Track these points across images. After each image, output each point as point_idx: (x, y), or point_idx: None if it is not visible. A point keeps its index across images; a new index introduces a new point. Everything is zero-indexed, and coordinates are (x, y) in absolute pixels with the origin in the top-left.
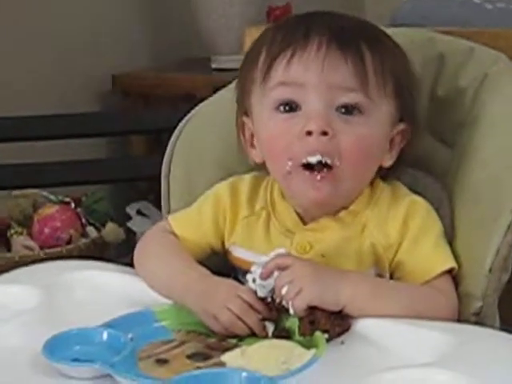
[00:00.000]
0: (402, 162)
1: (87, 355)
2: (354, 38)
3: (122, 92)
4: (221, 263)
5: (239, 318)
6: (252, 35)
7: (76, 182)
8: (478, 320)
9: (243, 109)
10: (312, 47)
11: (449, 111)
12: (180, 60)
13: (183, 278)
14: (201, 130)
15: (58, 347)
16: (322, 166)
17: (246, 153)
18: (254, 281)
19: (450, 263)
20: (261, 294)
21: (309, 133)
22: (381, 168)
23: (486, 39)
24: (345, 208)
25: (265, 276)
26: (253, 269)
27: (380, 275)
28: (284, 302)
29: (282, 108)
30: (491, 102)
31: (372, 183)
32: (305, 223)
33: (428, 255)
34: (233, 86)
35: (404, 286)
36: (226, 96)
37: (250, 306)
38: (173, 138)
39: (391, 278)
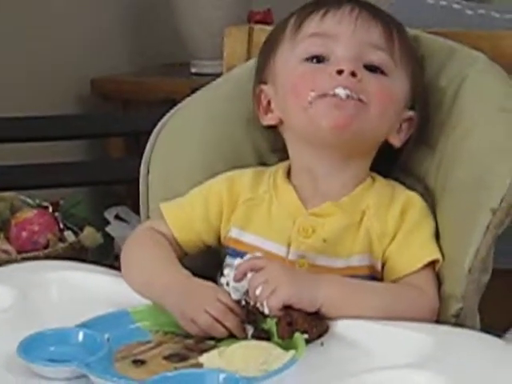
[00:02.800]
0: (403, 153)
1: (63, 355)
2: (383, 13)
3: (101, 96)
4: (210, 261)
5: (218, 321)
6: (232, 35)
7: (53, 185)
8: (458, 321)
9: (262, 77)
10: (345, 9)
11: (429, 112)
12: (159, 64)
13: (163, 279)
14: (179, 130)
15: (34, 347)
16: (350, 98)
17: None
18: (227, 284)
19: (436, 255)
20: (234, 296)
21: (339, 72)
22: (386, 147)
23: (469, 40)
24: (345, 194)
25: (238, 278)
26: (226, 272)
27: (372, 265)
28: (258, 304)
29: (311, 60)
30: (471, 102)
31: (373, 177)
32: (307, 208)
33: (416, 248)
34: (209, 85)
35: (381, 285)
36: (205, 96)
37: (230, 309)
38: (151, 139)
39: (382, 268)
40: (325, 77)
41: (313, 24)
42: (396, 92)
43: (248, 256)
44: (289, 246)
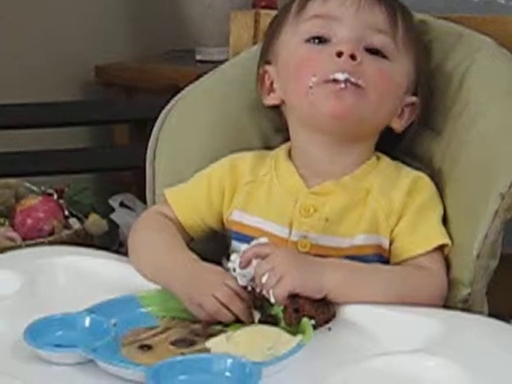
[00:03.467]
0: (407, 137)
1: (69, 341)
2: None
3: (105, 83)
4: (217, 245)
5: (225, 306)
6: (237, 20)
7: (58, 172)
8: (466, 307)
9: (266, 57)
10: None
11: (435, 96)
12: (164, 51)
13: (170, 263)
14: (185, 116)
15: (40, 332)
16: (348, 83)
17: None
18: (234, 270)
19: (445, 239)
20: (241, 282)
21: (339, 54)
22: (384, 137)
23: (474, 25)
24: (348, 173)
25: (243, 265)
26: (232, 258)
27: (379, 244)
28: (264, 292)
29: (312, 40)
30: (479, 86)
31: (378, 157)
32: (308, 187)
33: (427, 229)
34: (215, 70)
35: (389, 269)
36: (210, 81)
37: (237, 294)
38: (157, 124)
39: (390, 246)
40: (325, 59)
41: (316, 5)
42: (397, 76)
43: (254, 242)
44: (290, 226)
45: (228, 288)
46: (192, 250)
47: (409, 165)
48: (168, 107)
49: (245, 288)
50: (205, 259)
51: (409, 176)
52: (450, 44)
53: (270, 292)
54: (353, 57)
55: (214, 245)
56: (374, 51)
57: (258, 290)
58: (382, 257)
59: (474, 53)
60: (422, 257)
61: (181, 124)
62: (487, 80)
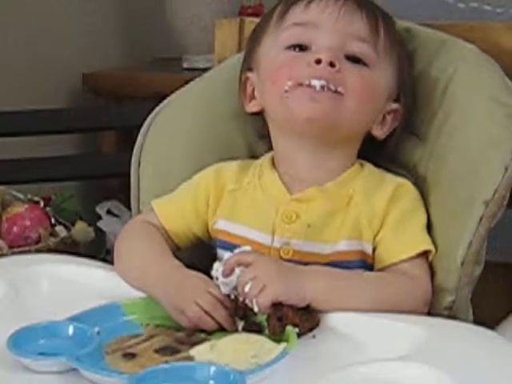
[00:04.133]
0: (391, 144)
1: (53, 349)
2: (370, 3)
3: (93, 91)
4: (204, 254)
5: (208, 314)
6: (223, 28)
7: (45, 179)
8: (451, 314)
9: (248, 64)
10: None
11: (419, 104)
12: (151, 59)
13: (155, 270)
14: (170, 124)
15: (24, 341)
16: (326, 88)
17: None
18: (217, 278)
19: (429, 245)
20: (224, 291)
21: (318, 61)
22: (367, 144)
23: (458, 32)
24: (331, 179)
25: (226, 273)
26: (215, 266)
27: (362, 250)
28: (247, 300)
29: (292, 48)
30: (464, 93)
31: (362, 164)
32: (291, 194)
33: (410, 235)
34: (201, 77)
35: (372, 275)
36: (195, 88)
37: (220, 302)
38: (142, 132)
39: (373, 253)
40: (302, 66)
41: (296, 13)
42: (377, 84)
43: (237, 250)
44: (273, 233)
45: (211, 295)
46: (178, 258)
47: (394, 172)
48: (153, 114)
49: (228, 296)
50: (191, 268)
51: (392, 183)
52: (434, 51)
53: (254, 301)
54: (332, 64)
55: (200, 254)
56: (354, 59)
57: (240, 298)
58: (366, 263)
59: (458, 60)
60: (405, 263)
61: (165, 131)
62: (470, 87)
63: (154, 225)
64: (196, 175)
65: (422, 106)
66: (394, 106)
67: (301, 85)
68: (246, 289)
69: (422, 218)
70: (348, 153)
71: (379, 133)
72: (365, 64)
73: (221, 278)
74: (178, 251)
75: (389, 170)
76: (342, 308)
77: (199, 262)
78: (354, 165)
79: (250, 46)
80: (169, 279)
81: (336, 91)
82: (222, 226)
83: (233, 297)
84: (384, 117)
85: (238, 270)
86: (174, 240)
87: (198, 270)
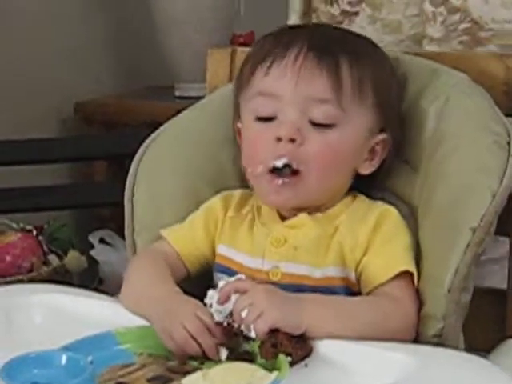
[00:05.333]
0: (384, 172)
1: (46, 378)
2: (334, 49)
3: (85, 119)
4: (199, 282)
5: (193, 338)
6: (215, 57)
7: (37, 208)
8: (440, 341)
9: (238, 113)
10: (289, 58)
11: (411, 132)
12: (143, 87)
13: (151, 295)
14: (163, 152)
15: (17, 370)
16: (287, 169)
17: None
18: (210, 306)
19: (409, 266)
20: (218, 318)
21: (278, 139)
22: (360, 176)
23: (447, 61)
24: (321, 211)
25: (222, 300)
26: (209, 294)
27: (346, 277)
28: (243, 326)
29: (259, 120)
30: (455, 122)
31: (355, 196)
32: (284, 220)
33: (390, 257)
34: (193, 106)
35: (361, 301)
36: (188, 117)
37: (207, 329)
38: (135, 161)
39: (358, 281)
40: (267, 145)
41: (259, 78)
42: (345, 142)
43: (232, 278)
44: (263, 257)
45: (199, 320)
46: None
47: (387, 202)
48: (146, 143)
49: (220, 324)
50: (191, 295)
51: (376, 211)
52: (425, 80)
53: (251, 326)
54: (292, 140)
55: (197, 282)
56: (320, 120)
57: (236, 325)
58: (350, 289)
59: (449, 89)
60: (387, 284)
61: (159, 159)
62: (461, 116)
63: (164, 252)
64: (203, 204)
65: (415, 135)
66: (381, 136)
67: (269, 171)
68: (243, 315)
69: (404, 240)
70: (337, 193)
71: (366, 170)
72: (330, 125)
73: (215, 306)
74: (188, 279)
75: (383, 200)
76: (338, 335)
77: (199, 288)
78: (345, 197)
79: (235, 97)
80: (162, 302)
81: (295, 171)
82: (222, 251)
83: (226, 324)
84: (373, 148)
85: (233, 298)
86: (185, 263)
87: (198, 297)
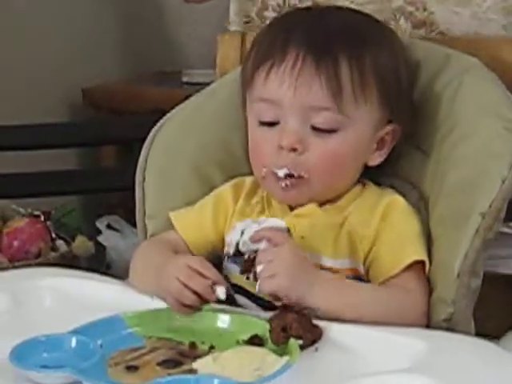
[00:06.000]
0: (394, 157)
1: (56, 362)
2: (332, 48)
3: (92, 106)
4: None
5: (187, 286)
6: (225, 41)
7: (45, 194)
8: (450, 326)
9: (245, 104)
10: (288, 63)
11: (424, 118)
12: (151, 74)
13: (159, 262)
14: (174, 136)
15: (26, 354)
16: (289, 178)
17: None
18: (242, 232)
19: (419, 255)
20: (242, 248)
21: (280, 147)
22: (368, 166)
23: (460, 46)
24: (331, 201)
25: (254, 240)
26: (247, 222)
27: (355, 268)
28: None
29: (264, 125)
30: (468, 108)
31: (365, 184)
32: (292, 210)
33: (400, 248)
34: (204, 91)
35: (374, 288)
36: (199, 102)
37: (199, 273)
38: (146, 145)
39: (367, 273)
40: (270, 151)
41: (260, 83)
42: (349, 145)
43: (273, 222)
44: None
45: (189, 269)
46: None
47: (397, 188)
48: (157, 127)
49: (242, 254)
50: None
51: (385, 200)
52: (438, 65)
53: (258, 282)
54: (294, 149)
55: None
56: (321, 127)
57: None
58: (361, 280)
59: (462, 74)
60: (398, 276)
61: (170, 144)
62: (474, 102)
63: (170, 240)
64: (215, 190)
65: (427, 121)
66: (390, 127)
67: (272, 174)
68: (258, 269)
69: (413, 228)
70: (347, 183)
71: (375, 160)
72: (332, 130)
73: (245, 237)
74: None
75: (392, 187)
76: (346, 318)
77: None
78: (354, 186)
79: (242, 89)
80: (161, 267)
81: (299, 176)
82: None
83: (246, 257)
84: (382, 139)
85: (263, 244)
86: (193, 252)
87: None
